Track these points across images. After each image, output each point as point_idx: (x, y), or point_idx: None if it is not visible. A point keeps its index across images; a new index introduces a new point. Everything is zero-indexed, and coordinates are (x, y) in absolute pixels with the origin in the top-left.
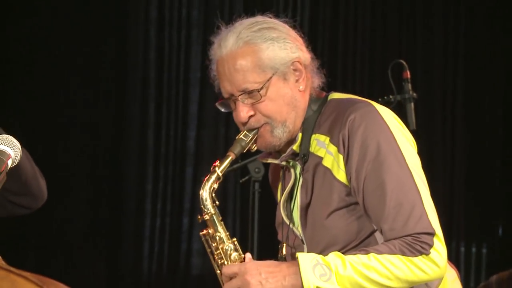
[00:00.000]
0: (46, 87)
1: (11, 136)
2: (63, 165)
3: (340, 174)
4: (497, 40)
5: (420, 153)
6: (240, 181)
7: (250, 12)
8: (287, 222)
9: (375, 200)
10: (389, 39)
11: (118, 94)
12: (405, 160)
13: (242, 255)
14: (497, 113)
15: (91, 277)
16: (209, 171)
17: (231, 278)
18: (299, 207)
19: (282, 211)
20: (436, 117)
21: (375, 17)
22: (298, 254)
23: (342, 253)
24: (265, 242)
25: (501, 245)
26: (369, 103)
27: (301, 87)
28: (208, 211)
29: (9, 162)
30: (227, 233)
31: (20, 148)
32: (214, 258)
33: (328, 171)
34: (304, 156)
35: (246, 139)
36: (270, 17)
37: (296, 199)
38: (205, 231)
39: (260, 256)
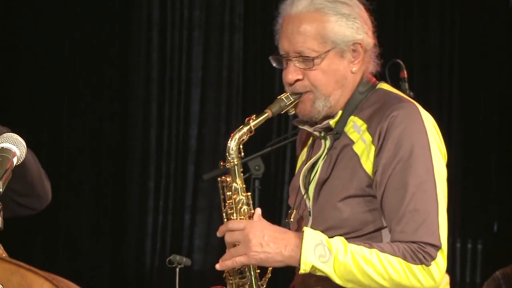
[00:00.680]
0: (51, 87)
1: (16, 135)
2: (68, 163)
3: (367, 164)
4: (492, 40)
5: None
6: None
7: (250, 13)
8: (302, 191)
9: (394, 199)
10: (386, 39)
11: (121, 94)
12: (433, 169)
13: (252, 210)
14: (492, 111)
15: (95, 273)
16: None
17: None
18: (317, 180)
19: (301, 179)
20: (432, 115)
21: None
22: (305, 229)
23: (345, 238)
24: None
25: (496, 241)
26: (415, 105)
27: (354, 68)
28: (232, 161)
29: (15, 160)
30: (244, 186)
31: (25, 146)
32: (224, 206)
33: (356, 156)
34: (337, 133)
35: (286, 101)
36: None
37: (317, 172)
38: (223, 178)
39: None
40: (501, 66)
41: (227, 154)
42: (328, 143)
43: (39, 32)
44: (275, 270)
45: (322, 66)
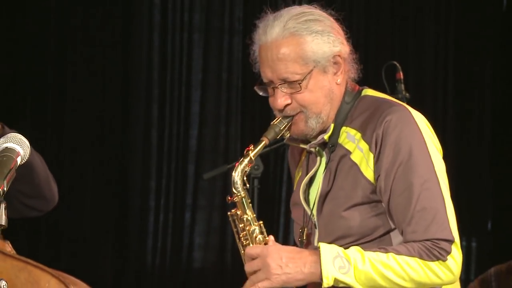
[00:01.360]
0: (55, 88)
1: (20, 135)
2: (71, 163)
3: (368, 172)
4: (486, 42)
5: None
6: None
7: (249, 17)
8: (304, 205)
9: (401, 202)
10: (382, 41)
11: (123, 95)
12: (434, 167)
13: (267, 238)
14: (486, 111)
15: (98, 270)
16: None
17: (253, 259)
18: (319, 193)
19: (301, 194)
20: (427, 116)
21: (368, 19)
22: (321, 244)
23: (355, 245)
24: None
25: (491, 239)
26: (405, 107)
27: (338, 80)
28: (239, 194)
29: (18, 160)
30: (254, 216)
31: (29, 146)
32: (239, 239)
33: (355, 166)
34: (332, 146)
35: (280, 126)
36: (316, 8)
37: (318, 186)
38: (233, 211)
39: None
40: (495, 68)
41: (233, 188)
42: (324, 157)
43: (41, 33)
44: None
45: (308, 86)
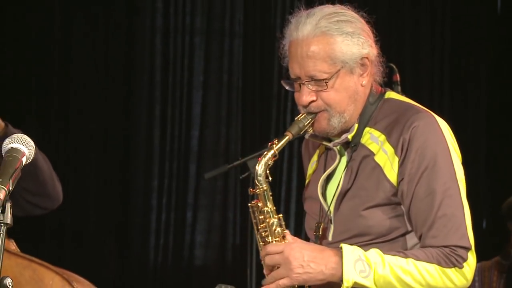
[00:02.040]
0: (59, 89)
1: (25, 135)
2: (75, 163)
3: (391, 174)
4: (481, 45)
5: None
6: (240, 177)
7: (249, 20)
8: (322, 200)
9: (423, 206)
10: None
11: (126, 97)
12: (456, 175)
13: (285, 231)
14: (481, 112)
15: (101, 268)
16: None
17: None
18: (339, 191)
19: (319, 189)
20: None
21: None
22: (343, 245)
23: (370, 244)
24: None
25: (485, 237)
26: (431, 114)
27: (364, 81)
28: (261, 186)
29: (24, 160)
30: (274, 208)
31: (34, 146)
32: (258, 230)
33: (378, 167)
34: (355, 146)
35: (304, 122)
36: (348, 8)
37: (338, 183)
38: (253, 203)
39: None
40: (490, 70)
41: (256, 180)
42: (345, 155)
43: (45, 36)
44: None
45: (334, 86)
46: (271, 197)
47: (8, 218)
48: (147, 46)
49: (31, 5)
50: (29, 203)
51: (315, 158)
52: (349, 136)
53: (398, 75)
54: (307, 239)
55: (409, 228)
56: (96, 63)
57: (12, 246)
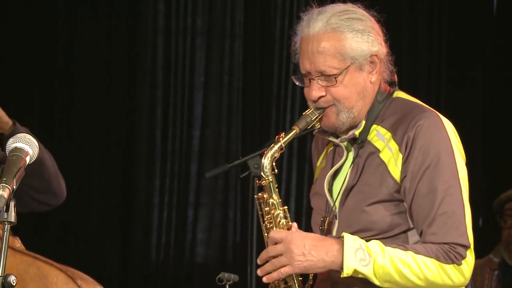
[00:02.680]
0: (62, 90)
1: (29, 135)
2: (78, 163)
3: (395, 171)
4: (477, 46)
5: None
6: (241, 176)
7: (249, 21)
8: (328, 196)
9: (424, 204)
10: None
11: (129, 97)
12: (458, 174)
13: (290, 223)
14: (478, 112)
15: (104, 265)
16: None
17: (276, 242)
18: (344, 187)
19: (325, 185)
20: None
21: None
22: (344, 235)
23: (372, 239)
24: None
25: (482, 235)
26: (437, 114)
27: (372, 79)
28: (267, 178)
29: (27, 159)
30: (280, 200)
31: (38, 146)
32: (263, 221)
33: (383, 164)
34: (361, 142)
35: (312, 116)
36: (359, 7)
37: (344, 179)
38: (259, 195)
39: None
40: (486, 70)
41: (262, 172)
42: (352, 151)
43: (49, 37)
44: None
45: (343, 81)
46: (276, 189)
47: (12, 216)
48: (149, 47)
49: (35, 6)
50: (34, 200)
51: (323, 155)
52: (356, 132)
53: (395, 76)
54: None
55: (411, 225)
56: (99, 63)
57: (17, 243)
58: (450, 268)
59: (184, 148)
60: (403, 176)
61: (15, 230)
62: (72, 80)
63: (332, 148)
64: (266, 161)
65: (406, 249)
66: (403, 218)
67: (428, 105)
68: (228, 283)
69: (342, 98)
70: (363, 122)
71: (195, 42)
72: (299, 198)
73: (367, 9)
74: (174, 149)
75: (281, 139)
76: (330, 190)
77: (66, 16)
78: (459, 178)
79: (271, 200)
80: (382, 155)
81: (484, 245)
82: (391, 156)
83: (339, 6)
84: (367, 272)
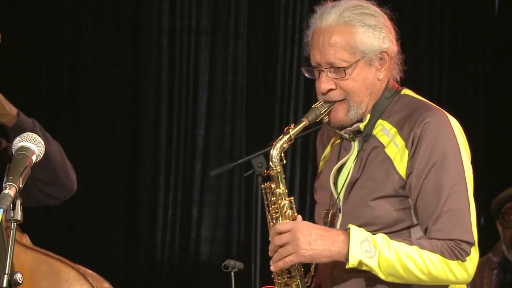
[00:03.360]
0: (68, 90)
1: (35, 134)
2: (84, 162)
3: (401, 167)
4: (479, 46)
5: None
6: (245, 175)
7: (253, 21)
8: (332, 189)
9: (430, 200)
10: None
11: (133, 96)
12: (464, 172)
13: (296, 214)
14: (479, 111)
15: (109, 263)
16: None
17: (281, 233)
18: (348, 180)
19: (331, 178)
20: None
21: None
22: (351, 226)
23: (376, 234)
24: (267, 230)
25: (484, 233)
26: (444, 112)
27: (381, 76)
28: (275, 168)
29: (34, 158)
30: (286, 191)
31: (44, 144)
32: (269, 211)
33: (388, 159)
34: (366, 136)
35: (321, 109)
36: (373, 3)
37: (348, 172)
38: (266, 184)
39: (262, 240)
40: (488, 70)
41: (270, 162)
42: (357, 145)
43: (54, 37)
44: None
45: (352, 75)
46: (284, 180)
47: (19, 214)
48: (154, 47)
49: (40, 3)
50: (43, 193)
51: (328, 148)
52: (361, 125)
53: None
54: None
55: (415, 222)
56: (104, 63)
57: (26, 241)
58: (454, 264)
59: (189, 147)
60: (408, 172)
61: (24, 227)
62: (76, 79)
63: (338, 141)
64: (274, 152)
65: (411, 243)
66: (407, 214)
67: (430, 100)
68: (234, 270)
69: (351, 92)
70: (368, 116)
71: (200, 42)
72: (302, 195)
73: (380, 6)
74: (179, 148)
75: (290, 130)
76: (335, 184)
77: (71, 16)
78: (465, 176)
79: (278, 190)
80: (387, 150)
81: (486, 243)
82: (397, 151)
83: (353, 1)
84: (372, 264)
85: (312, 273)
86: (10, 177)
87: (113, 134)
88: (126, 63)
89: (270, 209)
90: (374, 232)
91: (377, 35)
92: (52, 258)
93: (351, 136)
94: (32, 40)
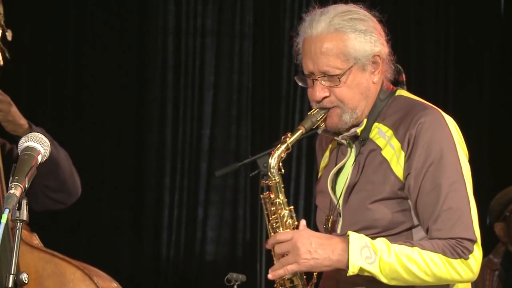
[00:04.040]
0: (73, 90)
1: (40, 134)
2: (90, 161)
3: (398, 169)
4: (485, 45)
5: None
6: (250, 175)
7: (258, 22)
8: (331, 194)
9: (429, 200)
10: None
11: (139, 97)
12: (462, 170)
13: (296, 222)
14: (484, 112)
15: (115, 263)
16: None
17: (281, 242)
18: (347, 184)
19: (329, 183)
20: None
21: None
22: (350, 233)
23: (377, 237)
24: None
25: (489, 234)
26: (438, 111)
27: (375, 79)
28: (274, 178)
29: (39, 158)
30: (286, 200)
31: (49, 145)
32: (269, 221)
33: (385, 162)
34: (363, 140)
35: (317, 116)
36: (361, 7)
37: (346, 177)
38: (265, 194)
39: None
40: (493, 71)
41: (269, 172)
42: (354, 149)
43: (60, 37)
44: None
45: (347, 82)
46: (283, 189)
47: (24, 215)
48: (159, 47)
49: (45, 4)
50: (50, 199)
51: (327, 153)
52: (358, 130)
53: (404, 75)
54: None
55: (415, 223)
56: (110, 63)
57: (35, 240)
58: (457, 263)
59: (194, 147)
60: (406, 173)
61: (33, 227)
62: (82, 80)
63: (335, 146)
64: (273, 162)
65: (412, 245)
66: (406, 216)
67: (434, 104)
68: (236, 283)
69: (345, 99)
70: (365, 120)
71: (205, 42)
72: (308, 196)
73: (369, 9)
74: (184, 148)
75: (287, 139)
76: (334, 188)
77: (77, 16)
78: (462, 174)
79: (277, 200)
80: (384, 153)
81: (492, 243)
82: (393, 153)
83: (341, 7)
84: (373, 269)
85: (315, 281)
86: (16, 177)
87: (119, 134)
88: (132, 63)
89: (271, 219)
90: (375, 235)
91: (368, 40)
92: (58, 258)
93: (348, 141)
94: (37, 41)
